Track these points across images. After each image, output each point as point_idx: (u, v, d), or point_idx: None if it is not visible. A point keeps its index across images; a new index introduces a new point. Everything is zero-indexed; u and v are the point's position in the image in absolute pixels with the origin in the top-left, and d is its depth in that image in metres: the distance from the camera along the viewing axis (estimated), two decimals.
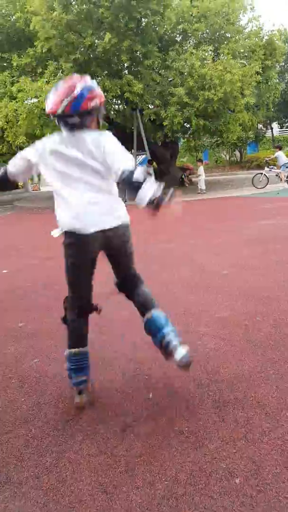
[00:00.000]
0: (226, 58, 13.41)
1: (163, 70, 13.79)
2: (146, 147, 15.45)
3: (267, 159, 14.19)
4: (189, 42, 14.70)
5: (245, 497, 1.34)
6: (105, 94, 12.81)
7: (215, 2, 13.70)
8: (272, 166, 13.35)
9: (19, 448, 1.69)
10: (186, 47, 14.10)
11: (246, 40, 14.97)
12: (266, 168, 13.18)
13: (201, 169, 14.18)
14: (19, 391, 2.13)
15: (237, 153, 28.30)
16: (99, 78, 12.88)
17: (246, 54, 15.02)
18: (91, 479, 1.49)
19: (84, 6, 12.32)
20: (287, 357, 2.22)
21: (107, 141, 1.85)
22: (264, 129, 28.73)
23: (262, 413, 1.76)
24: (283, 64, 25.78)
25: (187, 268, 4.22)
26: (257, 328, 2.61)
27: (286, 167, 12.95)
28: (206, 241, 5.57)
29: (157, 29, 13.05)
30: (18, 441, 1.74)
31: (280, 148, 14.51)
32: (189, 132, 16.32)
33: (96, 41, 12.46)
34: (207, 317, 2.87)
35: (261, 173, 13.10)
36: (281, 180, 12.98)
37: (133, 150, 16.50)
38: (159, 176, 15.75)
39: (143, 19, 12.82)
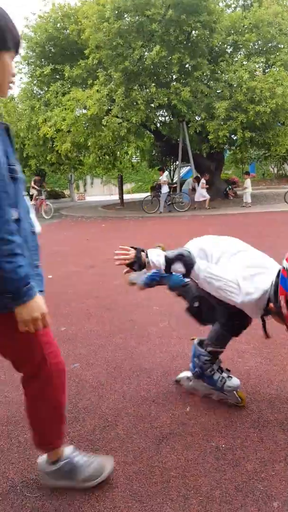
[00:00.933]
0: (277, 70, 13.21)
1: (212, 82, 13.80)
2: (191, 159, 15.46)
3: None
4: (240, 54, 14.64)
5: None
6: (152, 102, 13.08)
7: (268, 12, 13.55)
8: None
9: None
10: (236, 59, 14.05)
11: None
12: None
13: (247, 182, 13.95)
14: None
15: (286, 166, 27.62)
16: (147, 89, 13.07)
17: None
18: (126, 486, 1.50)
19: (137, 18, 12.61)
20: None
21: None
22: None
23: None
24: None
25: None
26: None
27: None
28: None
29: (207, 41, 13.09)
30: None
31: None
32: (235, 144, 16.15)
33: (146, 53, 12.69)
34: (248, 334, 2.81)
35: None
36: None
37: (178, 162, 16.53)
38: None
39: (193, 32, 12.93)
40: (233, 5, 16.31)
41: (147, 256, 1.70)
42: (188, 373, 2.13)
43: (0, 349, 1.37)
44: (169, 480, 1.51)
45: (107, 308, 3.63)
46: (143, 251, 1.71)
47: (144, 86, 13.18)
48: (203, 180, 13.81)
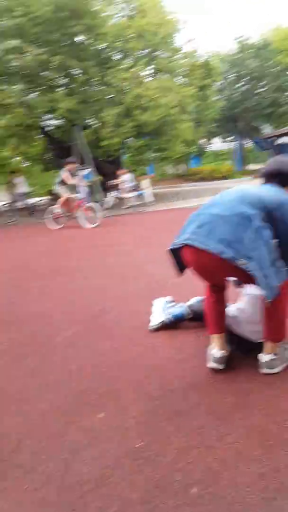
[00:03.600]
0: (162, 77, 13.82)
1: (103, 87, 13.91)
2: (91, 162, 15.41)
3: None
4: (127, 61, 15.03)
5: (202, 506, 1.29)
6: (34, 110, 12.63)
7: (150, 22, 14.15)
8: None
9: None
10: (124, 66, 14.39)
11: (183, 60, 15.61)
12: None
13: (146, 182, 14.36)
14: None
15: (182, 166, 29.14)
16: (24, 92, 12.54)
17: (184, 73, 15.63)
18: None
19: (17, 20, 12.09)
20: (242, 361, 2.23)
21: None
22: (207, 143, 29.91)
23: (216, 419, 1.74)
24: (221, 82, 27.12)
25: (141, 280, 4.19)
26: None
27: None
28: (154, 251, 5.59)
29: (92, 45, 13.09)
30: None
31: None
32: (131, 148, 16.56)
33: (24, 54, 12.17)
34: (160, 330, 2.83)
35: None
36: None
37: (77, 165, 16.33)
38: (107, 190, 15.68)
39: (77, 36, 12.81)
40: (117, 14, 16.70)
41: None
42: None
43: None
44: (83, 496, 1.41)
45: (5, 320, 3.37)
46: None
47: (22, 90, 12.53)
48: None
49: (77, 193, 10.11)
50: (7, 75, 12.54)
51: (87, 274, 4.69)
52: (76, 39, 12.77)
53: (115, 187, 13.71)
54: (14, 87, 12.39)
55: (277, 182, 2.15)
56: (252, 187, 2.16)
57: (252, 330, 2.24)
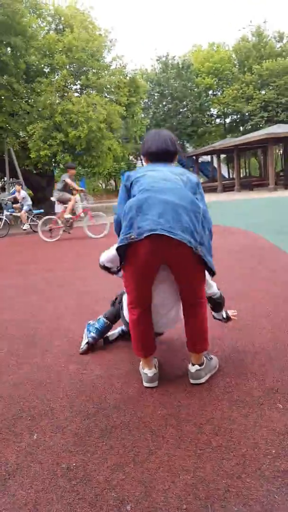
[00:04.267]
0: (91, 93, 14.03)
1: (32, 101, 13.74)
2: (20, 175, 15.00)
3: None
4: (57, 75, 15.01)
5: None
6: None
7: (79, 38, 14.32)
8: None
9: None
10: (53, 80, 14.35)
11: (112, 77, 15.92)
12: None
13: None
14: None
15: (112, 182, 29.47)
16: None
17: (112, 90, 15.95)
18: None
19: None
20: (171, 372, 2.32)
21: None
22: (135, 160, 30.64)
23: (148, 433, 1.79)
24: (146, 100, 28.08)
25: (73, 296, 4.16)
26: None
27: None
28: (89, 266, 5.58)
29: (18, 61, 12.90)
30: None
31: None
32: (60, 163, 16.45)
33: None
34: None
35: None
36: None
37: (5, 178, 15.84)
38: (36, 204, 15.34)
39: (4, 50, 12.58)
40: (46, 28, 16.63)
41: None
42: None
43: None
44: None
45: None
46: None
47: None
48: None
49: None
50: None
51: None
52: (2, 53, 12.46)
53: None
54: None
55: (165, 160, 2.21)
56: (169, 171, 2.09)
57: (156, 320, 2.24)
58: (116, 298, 2.73)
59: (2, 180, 21.07)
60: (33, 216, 12.11)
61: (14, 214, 12.33)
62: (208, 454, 1.62)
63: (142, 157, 2.38)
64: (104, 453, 1.69)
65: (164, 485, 1.48)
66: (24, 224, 11.79)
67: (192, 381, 2.19)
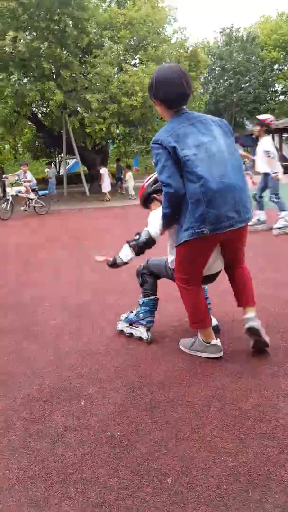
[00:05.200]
0: (147, 65, 13.77)
1: (90, 75, 13.79)
2: (76, 152, 15.27)
3: None
4: (116, 49, 14.90)
5: (177, 495, 1.38)
6: (25, 99, 12.46)
7: (139, 12, 14.04)
8: None
9: None
10: (112, 53, 14.26)
11: (171, 51, 15.53)
12: None
13: (128, 175, 14.35)
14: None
15: None
16: (17, 81, 12.34)
17: (171, 63, 15.56)
18: (21, 493, 1.42)
19: (8, 4, 11.89)
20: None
21: None
22: None
23: (191, 412, 1.82)
24: (206, 75, 27.10)
25: None
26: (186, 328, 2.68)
27: None
28: None
29: (78, 36, 12.91)
30: None
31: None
32: (117, 138, 16.49)
33: (17, 40, 12.00)
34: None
35: None
36: None
37: (62, 154, 16.19)
38: (89, 180, 15.59)
39: (63, 25, 12.60)
40: (107, 1, 16.44)
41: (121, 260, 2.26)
42: None
43: None
44: (66, 479, 1.48)
45: None
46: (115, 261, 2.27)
47: (12, 76, 12.33)
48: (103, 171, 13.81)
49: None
50: (1, 63, 12.34)
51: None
52: (63, 26, 12.54)
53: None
54: (11, 76, 12.15)
55: (182, 104, 2.14)
56: (220, 139, 2.05)
57: None
58: (142, 274, 2.58)
59: (59, 156, 21.56)
60: (38, 198, 11.73)
61: (20, 194, 11.70)
62: (251, 440, 1.62)
63: (155, 100, 2.17)
64: (148, 426, 1.74)
65: (205, 464, 1.51)
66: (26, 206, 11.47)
67: (249, 324, 2.25)
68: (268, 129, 6.07)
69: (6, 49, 11.62)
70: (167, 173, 1.99)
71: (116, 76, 12.95)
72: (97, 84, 13.30)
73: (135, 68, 14.23)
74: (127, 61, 14.20)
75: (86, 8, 12.73)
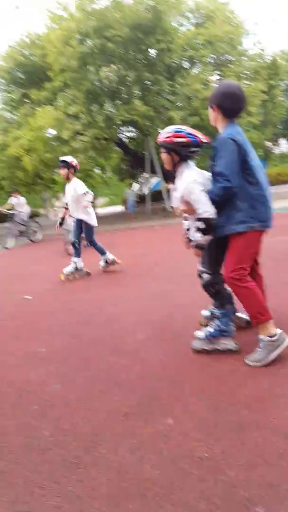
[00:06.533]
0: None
1: (171, 96, 14.19)
2: (159, 171, 15.68)
3: None
4: (196, 68, 15.17)
5: None
6: (113, 120, 13.26)
7: (220, 29, 14.15)
8: None
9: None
10: (192, 72, 14.52)
11: (250, 62, 15.38)
12: None
13: None
14: (42, 417, 2.14)
15: None
16: (108, 105, 13.21)
17: (250, 76, 15.41)
18: (112, 507, 1.47)
19: (97, 40, 12.89)
20: None
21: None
22: (272, 146, 28.85)
23: (278, 434, 1.72)
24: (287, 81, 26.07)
25: None
26: None
27: None
28: None
29: (164, 57, 13.48)
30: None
31: None
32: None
33: (107, 72, 12.94)
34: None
35: None
36: None
37: (145, 173, 16.76)
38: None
39: (149, 50, 13.29)
40: (186, 24, 16.86)
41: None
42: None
43: None
44: (155, 496, 1.49)
45: (84, 323, 3.60)
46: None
47: (104, 105, 13.34)
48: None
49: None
50: (95, 95, 13.41)
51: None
52: (149, 53, 13.25)
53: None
54: (103, 105, 13.12)
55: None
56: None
57: None
58: (211, 285, 2.61)
59: (142, 175, 22.32)
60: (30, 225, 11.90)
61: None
62: None
63: (215, 106, 2.39)
64: (235, 448, 1.69)
65: None
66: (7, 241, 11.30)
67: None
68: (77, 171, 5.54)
69: (96, 83, 12.62)
70: (232, 169, 2.23)
71: (199, 93, 13.11)
72: (180, 103, 13.65)
73: (212, 82, 14.29)
74: (208, 77, 14.31)
75: (169, 32, 13.27)
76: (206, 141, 2.43)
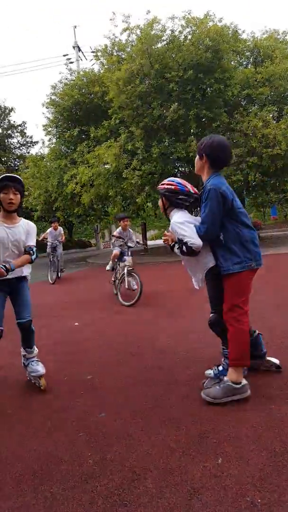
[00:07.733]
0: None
1: (228, 133, 14.33)
2: None
3: None
4: (254, 105, 15.24)
5: None
6: (171, 155, 13.59)
7: (280, 67, 14.25)
8: None
9: (84, 505, 1.67)
10: (250, 110, 14.60)
11: None
12: None
13: None
14: (86, 446, 2.13)
15: None
16: (165, 143, 13.60)
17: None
18: None
19: (156, 80, 13.51)
20: None
21: None
22: None
23: None
24: None
25: None
26: None
27: None
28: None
29: (222, 94, 13.73)
30: (84, 497, 1.72)
31: None
32: (252, 188, 16.33)
33: (165, 111, 13.42)
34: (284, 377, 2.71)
35: None
36: None
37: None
38: None
39: (208, 88, 13.60)
40: (244, 63, 17.20)
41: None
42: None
43: None
44: None
45: (134, 354, 3.59)
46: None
47: (162, 141, 13.73)
48: None
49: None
50: (154, 132, 13.98)
51: None
52: (207, 91, 13.57)
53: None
54: (163, 140, 13.60)
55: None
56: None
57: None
58: (219, 323, 2.63)
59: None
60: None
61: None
62: None
63: (205, 157, 2.60)
64: None
65: None
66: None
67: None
68: None
69: (156, 120, 13.13)
70: (213, 220, 2.48)
71: (258, 131, 13.15)
72: (236, 140, 13.74)
73: (274, 122, 14.29)
74: (268, 116, 14.33)
75: (227, 69, 13.61)
76: (193, 192, 2.65)
